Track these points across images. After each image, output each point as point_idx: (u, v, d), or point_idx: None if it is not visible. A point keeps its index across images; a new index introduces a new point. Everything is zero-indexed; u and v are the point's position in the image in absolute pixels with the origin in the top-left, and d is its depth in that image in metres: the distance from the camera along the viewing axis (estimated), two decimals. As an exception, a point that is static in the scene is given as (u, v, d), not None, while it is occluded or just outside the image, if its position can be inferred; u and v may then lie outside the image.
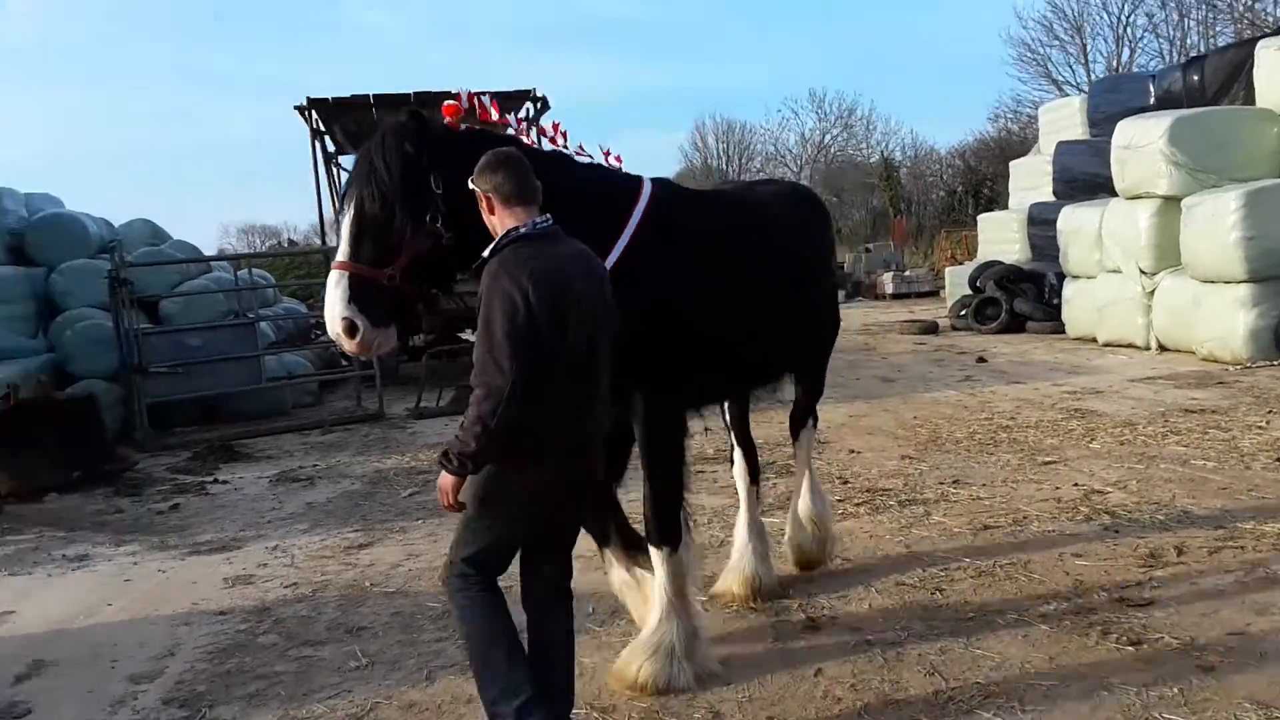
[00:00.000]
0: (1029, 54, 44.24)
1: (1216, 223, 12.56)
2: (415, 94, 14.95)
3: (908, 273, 28.36)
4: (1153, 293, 13.90)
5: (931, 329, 18.48)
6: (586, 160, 4.71)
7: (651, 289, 4.19)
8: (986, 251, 21.07)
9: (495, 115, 4.46)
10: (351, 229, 3.91)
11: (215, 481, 9.43)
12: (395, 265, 3.84)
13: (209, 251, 24.75)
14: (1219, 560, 5.48)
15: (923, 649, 4.59)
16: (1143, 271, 14.04)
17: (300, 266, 29.29)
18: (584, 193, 4.24)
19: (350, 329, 3.85)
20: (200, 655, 5.16)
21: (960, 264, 23.54)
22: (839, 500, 7.21)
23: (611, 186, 4.50)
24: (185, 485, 9.29)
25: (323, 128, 16.32)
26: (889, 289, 27.60)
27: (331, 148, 18.33)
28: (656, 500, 4.40)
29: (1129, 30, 42.13)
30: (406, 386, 13.89)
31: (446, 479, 3.50)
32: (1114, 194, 15.06)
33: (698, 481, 8.11)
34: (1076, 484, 7.25)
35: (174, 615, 5.80)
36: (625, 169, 4.95)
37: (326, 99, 14.72)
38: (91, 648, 5.35)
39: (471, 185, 3.64)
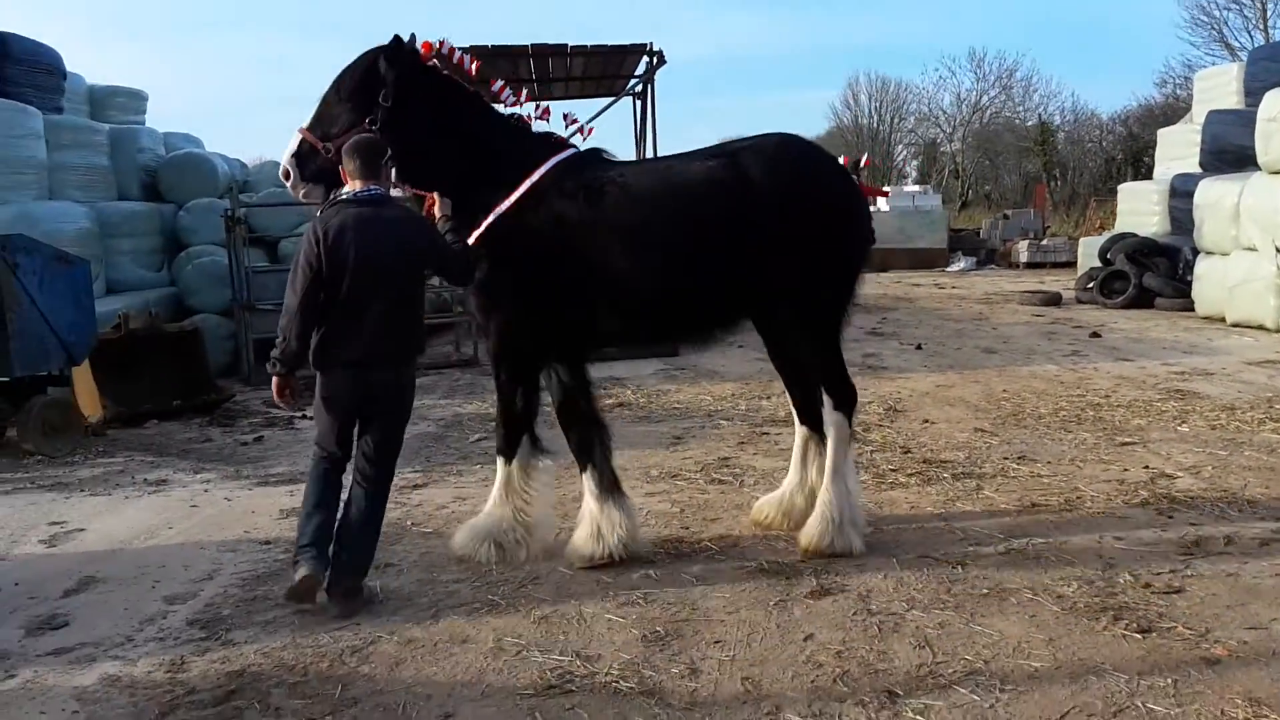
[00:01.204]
0: (1203, 16, 41.80)
1: (1359, 200, 11.81)
2: (532, 45, 15.12)
3: (1044, 241, 27.36)
4: (1288, 273, 13.17)
5: (1054, 301, 17.88)
6: (542, 125, 5.78)
7: (519, 241, 5.26)
8: (1125, 223, 20.19)
9: (473, 71, 5.76)
10: (318, 107, 5.27)
11: (304, 417, 9.79)
12: (333, 144, 5.09)
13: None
14: (1267, 553, 5.25)
15: (922, 622, 4.54)
16: (1279, 250, 13.30)
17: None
18: (504, 152, 5.45)
19: (286, 175, 5.24)
20: (235, 581, 5.43)
21: (1102, 234, 22.64)
22: (893, 470, 7.13)
23: (529, 151, 5.46)
24: (275, 419, 9.69)
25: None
26: (1024, 258, 26.72)
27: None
28: (497, 419, 5.72)
29: (1315, -5, 39.49)
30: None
31: (275, 380, 4.92)
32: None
33: (758, 443, 8.12)
34: (1148, 467, 7.00)
35: (224, 541, 6.11)
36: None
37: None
38: (140, 568, 5.68)
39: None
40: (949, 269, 27.48)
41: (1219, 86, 19.51)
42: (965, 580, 5.02)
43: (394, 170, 5.23)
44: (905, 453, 7.65)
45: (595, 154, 5.80)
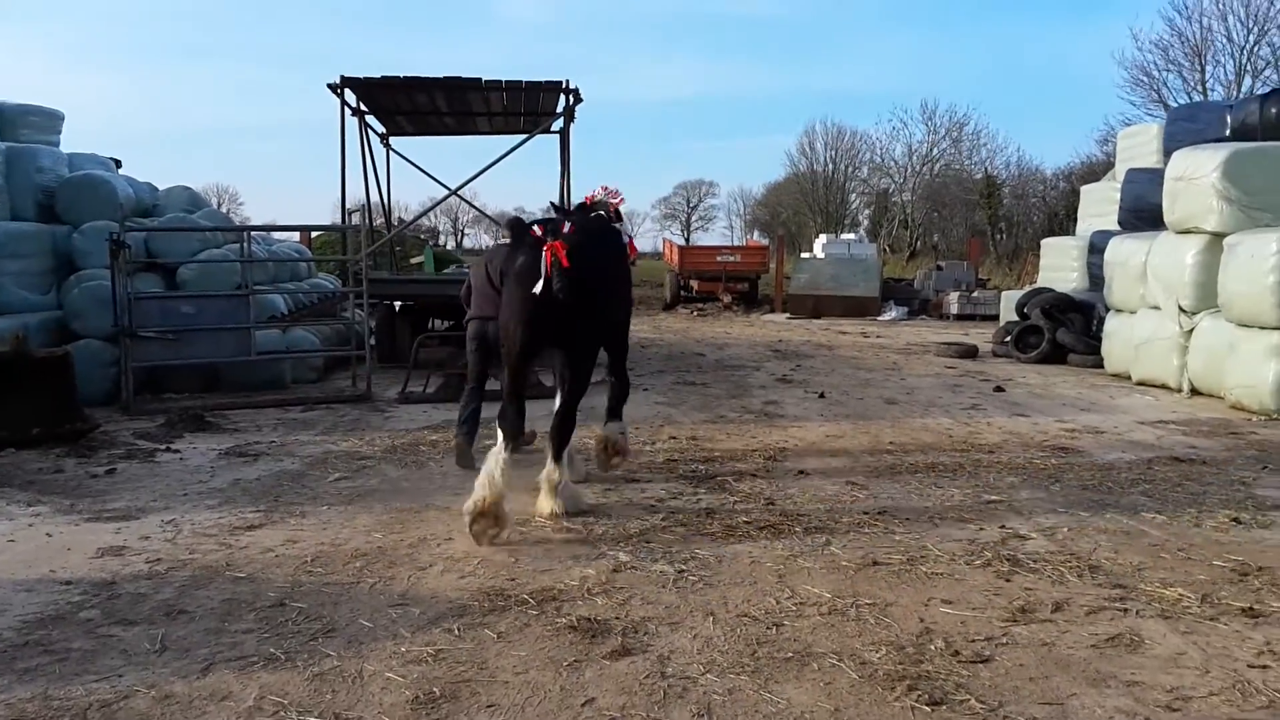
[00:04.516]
0: (1143, 77, 42.55)
1: (1255, 264, 11.86)
2: (445, 78, 14.98)
3: (975, 294, 27.53)
4: (1190, 333, 13.21)
5: (970, 353, 17.90)
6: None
7: None
8: (1046, 278, 20.33)
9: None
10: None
11: (168, 450, 9.48)
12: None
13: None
14: (1092, 621, 5.10)
15: (712, 687, 4.32)
16: (1183, 310, 13.36)
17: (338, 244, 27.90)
18: None
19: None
20: (16, 624, 5.10)
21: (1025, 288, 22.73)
22: (746, 521, 6.92)
23: None
24: (137, 451, 9.35)
25: (364, 106, 16.42)
26: (954, 309, 26.87)
27: (381, 129, 18.48)
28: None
29: (1252, 60, 40.37)
30: (420, 371, 13.77)
31: None
32: (1178, 228, 14.34)
33: (621, 490, 7.91)
34: (1004, 526, 6.86)
35: (25, 580, 5.77)
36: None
37: (359, 78, 14.77)
38: (-78, 606, 5.35)
39: None
40: (880, 318, 27.57)
41: (1140, 145, 19.73)
42: (774, 642, 4.82)
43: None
44: (768, 504, 7.46)
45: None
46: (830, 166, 72.70)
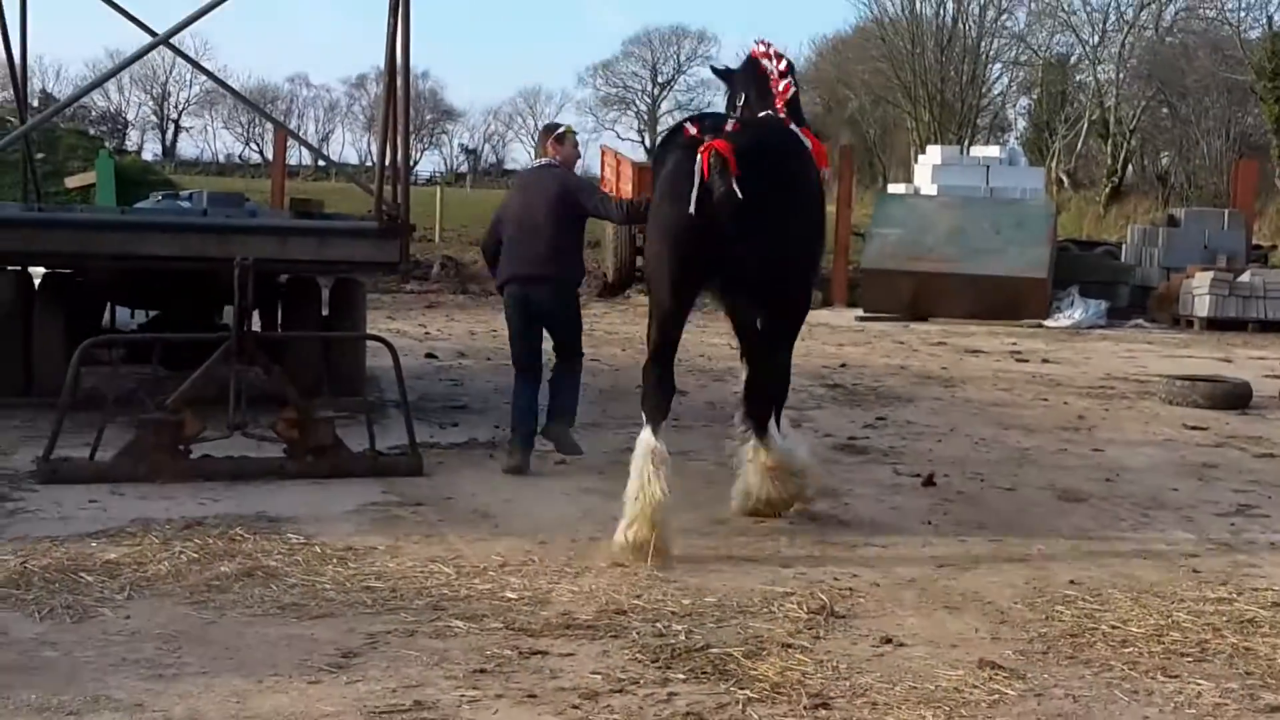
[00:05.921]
0: None
1: None
2: None
3: (1247, 276, 27.70)
4: None
5: (1238, 399, 18.17)
6: None
7: None
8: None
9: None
10: None
11: None
12: None
13: None
14: None
15: None
16: None
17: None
18: None
19: None
20: None
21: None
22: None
23: None
24: None
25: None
26: (1202, 306, 27.14)
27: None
28: None
29: None
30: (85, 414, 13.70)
31: None
32: None
33: (508, 671, 7.97)
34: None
35: None
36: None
37: None
38: None
39: None
40: (1053, 321, 27.83)
41: None
42: None
43: None
44: (817, 707, 7.49)
45: None
46: (949, 6, 73.30)
